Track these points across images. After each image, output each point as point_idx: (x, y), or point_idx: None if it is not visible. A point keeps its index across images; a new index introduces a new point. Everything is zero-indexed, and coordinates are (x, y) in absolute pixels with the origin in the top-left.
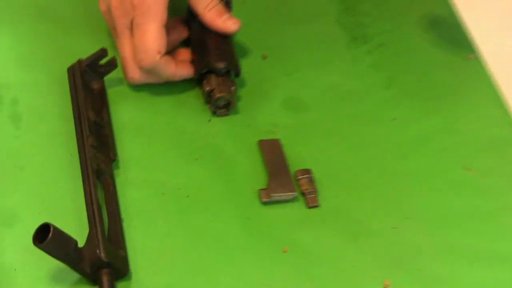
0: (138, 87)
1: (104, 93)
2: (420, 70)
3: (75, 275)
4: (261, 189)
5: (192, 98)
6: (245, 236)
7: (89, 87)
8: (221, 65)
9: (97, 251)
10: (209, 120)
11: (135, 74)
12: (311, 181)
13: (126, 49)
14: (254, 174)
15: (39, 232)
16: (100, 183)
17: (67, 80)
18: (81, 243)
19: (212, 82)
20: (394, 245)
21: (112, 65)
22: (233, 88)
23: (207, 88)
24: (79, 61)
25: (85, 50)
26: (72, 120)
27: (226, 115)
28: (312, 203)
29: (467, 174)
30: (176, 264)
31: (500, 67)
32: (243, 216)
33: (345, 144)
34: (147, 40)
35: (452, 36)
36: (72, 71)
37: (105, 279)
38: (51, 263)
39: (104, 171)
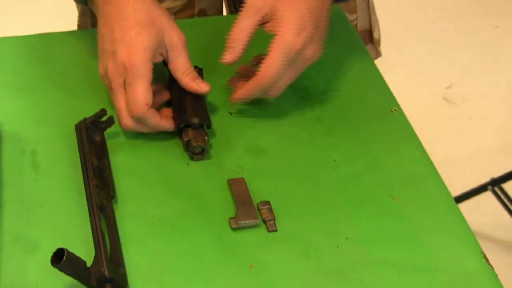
0: (131, 139)
1: (105, 144)
2: (354, 121)
3: None
4: (230, 218)
5: (174, 147)
6: (219, 255)
7: (93, 140)
8: (195, 120)
9: (102, 269)
10: (188, 164)
11: (128, 122)
12: (270, 210)
13: (120, 103)
14: (225, 206)
15: (55, 256)
16: (103, 215)
17: (75, 135)
18: (89, 263)
19: (189, 134)
20: (338, 260)
21: (110, 121)
22: (206, 138)
23: (185, 139)
24: (84, 119)
25: (88, 110)
26: (80, 165)
27: (201, 159)
28: (271, 228)
29: (393, 203)
30: (163, 278)
31: (422, 113)
32: (216, 239)
33: (297, 180)
34: (137, 95)
35: (379, 93)
36: (79, 127)
37: None
38: (66, 279)
39: (106, 206)
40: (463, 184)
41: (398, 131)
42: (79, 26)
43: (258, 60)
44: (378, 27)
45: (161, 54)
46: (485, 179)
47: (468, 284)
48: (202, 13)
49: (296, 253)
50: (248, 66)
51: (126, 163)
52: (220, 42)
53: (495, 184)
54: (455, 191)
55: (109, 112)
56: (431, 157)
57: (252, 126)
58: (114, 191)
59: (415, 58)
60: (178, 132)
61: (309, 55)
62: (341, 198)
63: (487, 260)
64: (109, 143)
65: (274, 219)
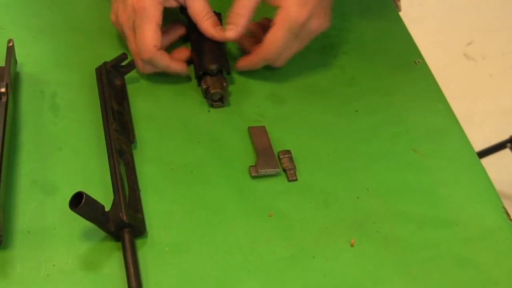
0: (152, 84)
1: (125, 88)
2: (377, 72)
3: (102, 233)
4: (250, 166)
5: (195, 93)
6: (238, 203)
7: (113, 84)
8: (213, 67)
9: (120, 214)
10: (209, 111)
11: (139, 65)
12: (291, 159)
13: (132, 46)
14: (245, 154)
15: (74, 199)
16: (122, 160)
17: (95, 78)
18: (107, 208)
19: (208, 81)
20: (358, 211)
21: (131, 66)
22: (224, 84)
23: (204, 86)
24: (105, 63)
25: (109, 54)
26: (99, 109)
27: (221, 107)
28: (291, 177)
29: (414, 155)
30: (182, 225)
31: (441, 70)
32: (236, 187)
33: (318, 131)
34: (145, 37)
35: (403, 45)
36: (99, 71)
37: (126, 237)
38: (83, 224)
39: (125, 151)
40: (482, 141)
41: (421, 83)
42: None
43: (265, 24)
44: None
45: (177, 1)
46: (504, 136)
47: (488, 239)
48: None
49: (316, 203)
50: (258, 25)
51: (146, 108)
52: None
53: None
54: (475, 148)
55: (130, 57)
56: None
57: (273, 74)
58: (134, 136)
59: (436, 14)
60: (198, 80)
61: (314, 27)
62: (363, 149)
63: (508, 215)
64: (129, 88)
65: (294, 168)
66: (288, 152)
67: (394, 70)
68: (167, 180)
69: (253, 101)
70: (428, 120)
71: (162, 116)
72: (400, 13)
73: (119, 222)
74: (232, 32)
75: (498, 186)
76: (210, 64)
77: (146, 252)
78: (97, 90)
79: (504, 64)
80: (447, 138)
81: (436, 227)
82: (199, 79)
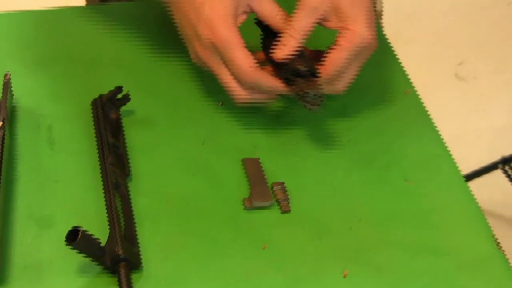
0: (147, 116)
1: (120, 121)
2: (368, 101)
3: (98, 268)
4: (244, 198)
5: (189, 125)
6: (233, 235)
7: (108, 117)
8: (304, 67)
9: (116, 248)
10: (203, 142)
11: (242, 94)
12: (284, 190)
13: (226, 78)
14: (239, 185)
15: (70, 234)
16: (118, 193)
17: (91, 111)
18: (103, 241)
19: (301, 84)
20: (351, 242)
21: (126, 98)
22: (318, 85)
23: (297, 90)
24: (100, 96)
25: (104, 87)
26: (95, 142)
27: (319, 110)
28: (285, 209)
29: (406, 184)
30: (178, 257)
31: (433, 90)
32: (231, 219)
33: (311, 161)
34: (240, 64)
35: (394, 75)
36: (95, 104)
37: (122, 271)
38: (80, 258)
39: (121, 184)
40: (474, 161)
41: (412, 112)
42: (87, 2)
43: (316, 52)
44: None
45: (244, 13)
46: (496, 157)
47: (479, 268)
48: None
49: (309, 234)
50: (310, 51)
51: (141, 140)
52: None
53: (505, 162)
54: (466, 169)
55: (125, 89)
56: (442, 134)
57: (267, 106)
58: (129, 169)
59: (428, 34)
60: (286, 82)
61: (374, 47)
62: (355, 179)
63: (498, 244)
64: (125, 121)
65: (288, 199)
66: (281, 183)
67: (385, 99)
68: (163, 212)
69: (247, 132)
70: (419, 148)
71: (157, 149)
72: (394, 33)
73: (115, 256)
74: (281, 53)
75: (490, 206)
76: (302, 65)
77: (142, 286)
78: (93, 123)
79: (495, 83)
80: (438, 166)
81: (428, 256)
82: (289, 81)
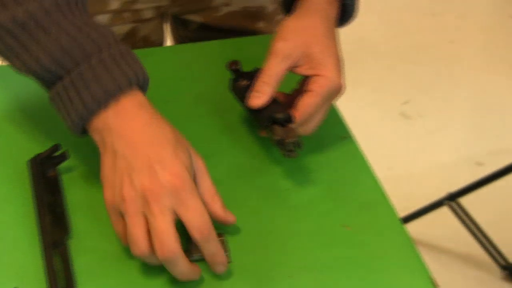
0: (85, 173)
1: (58, 179)
2: (305, 149)
3: None
4: (184, 251)
5: None
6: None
7: (46, 175)
8: (280, 116)
9: None
10: None
11: (177, 249)
12: (223, 242)
13: (165, 226)
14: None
15: None
16: (58, 252)
17: (28, 171)
18: None
19: (279, 131)
20: None
21: (63, 156)
22: (295, 132)
23: (277, 137)
24: (37, 155)
25: (42, 146)
26: (33, 202)
27: (295, 156)
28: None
29: (345, 231)
30: None
31: (379, 129)
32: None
33: (250, 211)
34: (202, 211)
35: (330, 121)
36: (32, 163)
37: None
38: None
39: (60, 243)
40: (421, 198)
41: (349, 158)
42: None
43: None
44: None
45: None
46: (443, 193)
47: None
48: (145, 40)
49: (250, 285)
50: (283, 95)
51: (80, 197)
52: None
53: (451, 198)
54: (413, 206)
55: (63, 147)
56: (390, 172)
57: (208, 157)
58: (68, 227)
59: (372, 75)
60: (264, 128)
61: (343, 89)
62: (294, 227)
63: (436, 285)
64: (64, 178)
65: (227, 251)
66: (221, 234)
67: (322, 146)
68: (104, 269)
69: None
70: (357, 195)
71: (97, 204)
72: None
73: None
74: (257, 100)
75: (438, 242)
76: (278, 113)
77: None
78: (30, 183)
79: (440, 121)
80: (376, 211)
81: None
82: (267, 128)
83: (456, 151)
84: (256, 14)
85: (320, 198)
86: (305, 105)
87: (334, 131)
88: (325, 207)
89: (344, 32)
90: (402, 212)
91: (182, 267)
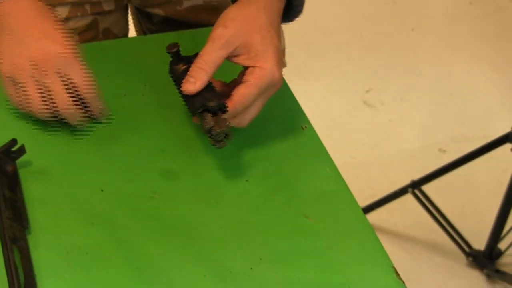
0: (43, 167)
1: (17, 173)
2: (265, 139)
3: None
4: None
5: (87, 173)
6: (136, 283)
7: (4, 170)
8: (213, 104)
9: None
10: (102, 190)
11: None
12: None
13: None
14: (137, 232)
15: None
16: (17, 248)
17: None
18: None
19: (209, 119)
20: (253, 282)
21: (21, 151)
22: (227, 122)
23: (207, 126)
24: None
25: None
26: None
27: (223, 146)
28: None
29: (306, 221)
30: None
31: (342, 118)
32: (133, 267)
33: (210, 203)
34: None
35: (290, 111)
36: None
37: None
38: None
39: (19, 238)
40: (385, 186)
41: (309, 148)
42: None
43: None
44: (283, 37)
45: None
46: (407, 180)
47: None
48: (107, 32)
49: (212, 277)
50: (219, 83)
51: (39, 192)
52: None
53: (415, 186)
54: (377, 194)
55: (20, 141)
56: (353, 161)
57: (164, 150)
58: (27, 222)
59: (334, 64)
60: (195, 115)
61: (280, 83)
62: (255, 218)
63: (398, 274)
64: (22, 172)
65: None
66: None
67: (282, 136)
68: (63, 263)
69: (145, 178)
70: (317, 184)
71: (56, 199)
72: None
73: None
74: (191, 86)
75: (403, 229)
76: (210, 101)
77: None
78: None
79: (402, 109)
80: (336, 201)
81: None
82: (198, 115)
83: (419, 139)
84: (219, 8)
85: (280, 189)
86: (240, 96)
87: (294, 121)
88: (285, 197)
89: (306, 21)
90: (366, 200)
91: (77, 116)
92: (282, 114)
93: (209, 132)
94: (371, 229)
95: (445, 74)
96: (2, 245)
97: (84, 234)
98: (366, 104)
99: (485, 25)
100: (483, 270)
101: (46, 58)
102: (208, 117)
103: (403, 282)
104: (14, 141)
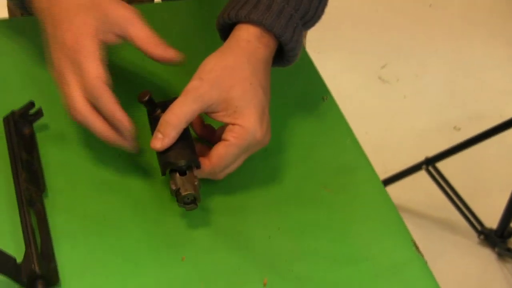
0: (61, 131)
1: (34, 136)
2: (286, 110)
3: (15, 285)
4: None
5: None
6: (151, 248)
7: (21, 133)
8: (182, 163)
9: (32, 266)
10: (119, 155)
11: (80, 106)
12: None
13: (71, 87)
14: (155, 200)
15: None
16: (33, 210)
17: (3, 128)
18: (19, 259)
19: (177, 180)
20: (270, 251)
21: (39, 114)
22: (196, 183)
23: (174, 187)
24: (13, 112)
25: (17, 102)
26: (8, 159)
27: (194, 208)
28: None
29: (324, 192)
30: (95, 273)
31: (357, 93)
32: (148, 233)
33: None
34: (87, 69)
35: (310, 82)
36: (7, 120)
37: None
38: None
39: (36, 200)
40: (399, 163)
41: (329, 119)
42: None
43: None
44: (305, 36)
45: (117, 35)
46: (421, 157)
47: (399, 273)
48: None
49: (228, 244)
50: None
51: (56, 155)
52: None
53: (429, 163)
54: (391, 170)
55: (38, 104)
56: (367, 136)
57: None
58: (44, 185)
59: (350, 39)
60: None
61: (265, 141)
62: (273, 188)
63: (417, 248)
64: (39, 136)
65: (198, 192)
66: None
67: (302, 107)
68: (80, 228)
69: None
70: (337, 156)
71: (73, 163)
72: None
73: (32, 274)
74: (158, 142)
75: (415, 206)
76: (178, 160)
77: None
78: (5, 140)
79: (417, 85)
80: (356, 173)
81: (347, 264)
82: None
83: (433, 116)
84: None
85: (299, 159)
86: (219, 157)
87: (314, 91)
88: (304, 168)
89: None
90: (379, 177)
91: (96, 127)
92: (303, 84)
93: (176, 194)
94: (391, 202)
95: (462, 51)
96: (19, 207)
97: (101, 199)
98: (381, 80)
99: (502, 1)
100: (494, 249)
101: (61, 58)
102: (176, 177)
103: (423, 256)
104: (31, 104)
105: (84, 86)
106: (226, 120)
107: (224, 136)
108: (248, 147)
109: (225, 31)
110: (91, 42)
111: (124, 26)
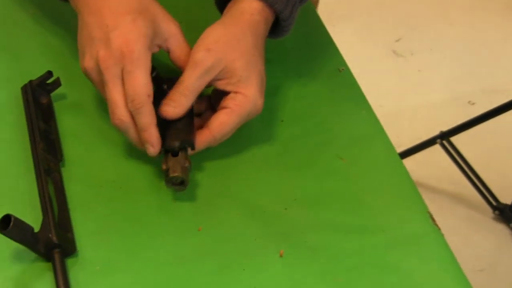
0: (78, 101)
1: (51, 106)
2: (301, 80)
3: (32, 254)
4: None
5: None
6: (167, 218)
7: (39, 102)
8: (175, 144)
9: (50, 235)
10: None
11: (123, 116)
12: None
13: (116, 95)
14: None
15: (2, 222)
16: (50, 179)
17: (21, 97)
18: (36, 228)
19: (168, 161)
20: (285, 222)
21: (56, 83)
22: (187, 165)
23: (164, 167)
24: (31, 82)
25: (34, 72)
26: (26, 128)
27: (182, 190)
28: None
29: (340, 163)
30: (112, 242)
31: (371, 66)
32: (165, 202)
33: (245, 142)
34: (138, 84)
35: (326, 53)
36: (25, 90)
37: (57, 257)
38: (13, 245)
39: (53, 170)
40: (412, 137)
41: (345, 90)
42: None
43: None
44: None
45: (158, 45)
46: (434, 132)
47: (415, 245)
48: None
49: (244, 215)
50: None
51: (73, 125)
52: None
53: (443, 137)
54: (404, 145)
55: (55, 74)
56: (381, 110)
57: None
58: (61, 155)
59: (364, 12)
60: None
61: (261, 110)
62: (289, 159)
63: (433, 220)
64: (56, 105)
65: (187, 175)
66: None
67: (318, 78)
68: (96, 197)
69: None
70: (352, 127)
71: (90, 133)
72: (329, 12)
73: (49, 243)
74: (172, 110)
75: (428, 181)
76: (172, 140)
77: (77, 272)
78: (23, 109)
79: (432, 59)
80: (372, 144)
81: (362, 235)
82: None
83: (448, 90)
84: None
85: (315, 130)
86: (220, 124)
87: (330, 62)
88: (320, 138)
89: None
90: None
91: (132, 135)
92: (319, 55)
93: (165, 174)
94: (407, 174)
95: (477, 24)
96: (36, 176)
97: (117, 169)
98: (396, 53)
99: None
100: (509, 224)
101: (106, 60)
102: (168, 157)
103: (439, 228)
104: (49, 74)
105: (127, 92)
106: (228, 88)
107: (225, 104)
108: (247, 116)
109: (223, 1)
110: (142, 49)
111: (168, 39)
